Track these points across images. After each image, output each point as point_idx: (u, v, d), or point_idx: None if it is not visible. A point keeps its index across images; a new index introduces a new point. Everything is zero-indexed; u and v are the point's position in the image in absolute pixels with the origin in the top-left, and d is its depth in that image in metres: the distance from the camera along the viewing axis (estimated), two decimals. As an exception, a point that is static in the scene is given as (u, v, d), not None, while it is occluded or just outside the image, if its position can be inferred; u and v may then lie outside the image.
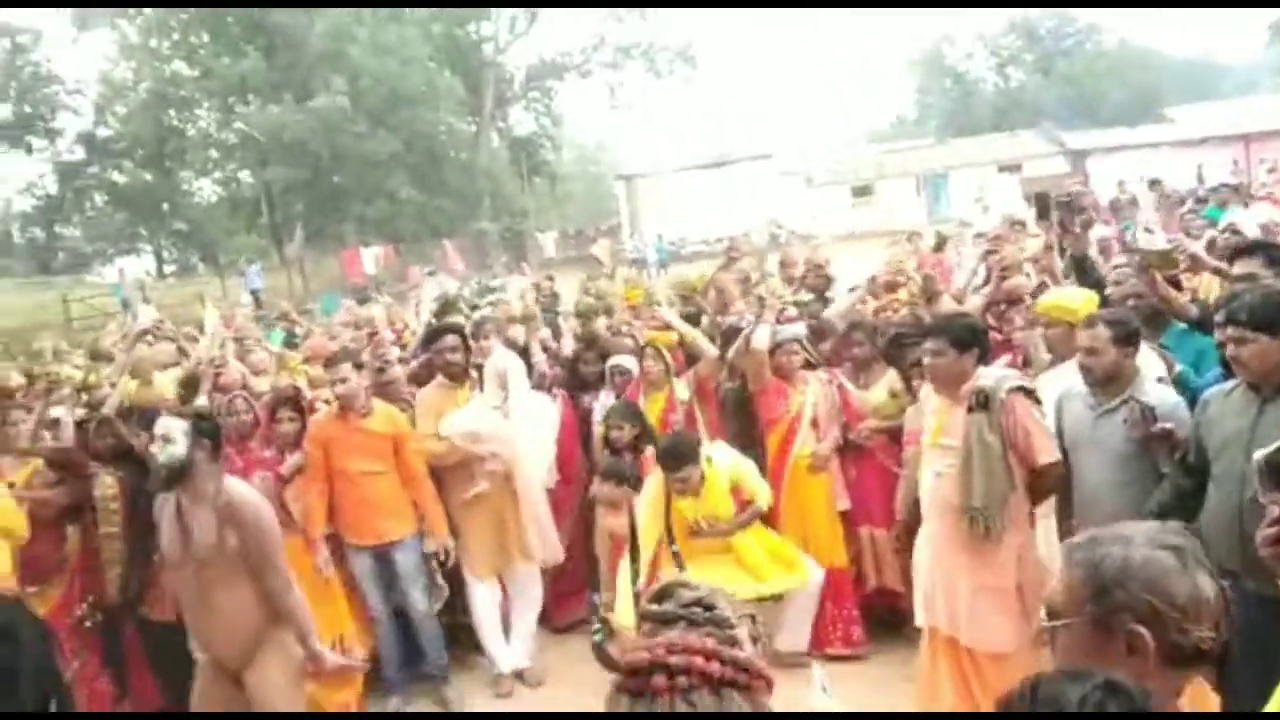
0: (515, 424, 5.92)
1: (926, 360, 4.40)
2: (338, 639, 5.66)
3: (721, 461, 5.41)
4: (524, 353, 6.74)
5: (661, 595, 1.61)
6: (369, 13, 40.28)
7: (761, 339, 5.90)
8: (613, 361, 6.55)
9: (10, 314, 29.97)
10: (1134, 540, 1.77)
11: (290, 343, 9.07)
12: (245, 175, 45.85)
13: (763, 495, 5.44)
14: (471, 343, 6.14)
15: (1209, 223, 9.17)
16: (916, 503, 4.78)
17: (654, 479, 5.40)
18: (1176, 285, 5.27)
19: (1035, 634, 4.30)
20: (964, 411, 4.24)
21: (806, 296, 7.29)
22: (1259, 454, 1.87)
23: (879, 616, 5.77)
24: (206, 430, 4.10)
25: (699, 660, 1.41)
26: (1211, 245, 6.00)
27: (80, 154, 46.81)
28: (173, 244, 51.29)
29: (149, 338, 7.40)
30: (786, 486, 5.91)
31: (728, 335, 6.38)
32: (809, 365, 6.04)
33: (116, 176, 47.63)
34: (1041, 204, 6.68)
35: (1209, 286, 5.78)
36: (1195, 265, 5.38)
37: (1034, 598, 4.30)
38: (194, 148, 44.99)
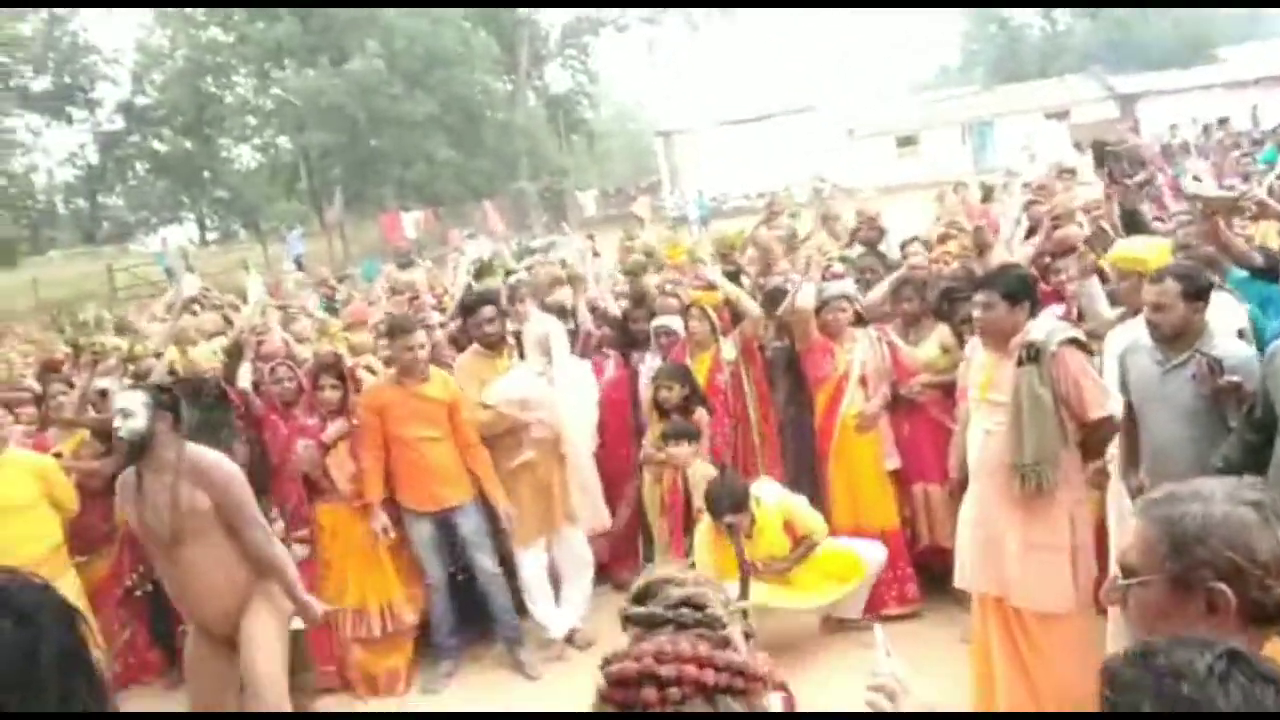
0: (560, 389, 5.86)
1: (976, 314, 4.28)
2: (386, 605, 5.69)
3: (770, 500, 5.34)
4: (571, 314, 6.66)
5: (645, 594, 1.49)
6: (401, -28, 40.05)
7: (807, 297, 5.78)
8: (657, 322, 6.46)
9: (58, 285, 30.38)
10: (1213, 496, 1.73)
11: (329, 309, 9.05)
12: (283, 141, 46.00)
13: (818, 529, 5.36)
14: (507, 308, 6.08)
15: (1268, 166, 8.90)
16: (964, 460, 4.67)
17: (705, 525, 5.33)
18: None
19: (1086, 597, 4.22)
20: (1013, 366, 4.13)
21: (858, 250, 7.15)
22: None
23: (933, 573, 5.67)
24: (166, 402, 4.16)
25: (691, 669, 1.30)
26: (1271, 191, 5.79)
27: (120, 123, 47.15)
28: (214, 211, 51.70)
29: (195, 306, 7.43)
30: (835, 446, 5.84)
31: (772, 294, 6.27)
32: (859, 321, 5.92)
33: (157, 145, 47.98)
34: (1098, 152, 6.48)
35: (1264, 234, 5.59)
36: (1262, 212, 5.18)
37: (1087, 560, 4.22)
38: (232, 114, 45.16)
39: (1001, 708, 4.33)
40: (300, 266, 29.81)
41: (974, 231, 6.56)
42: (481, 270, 7.37)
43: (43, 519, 5.43)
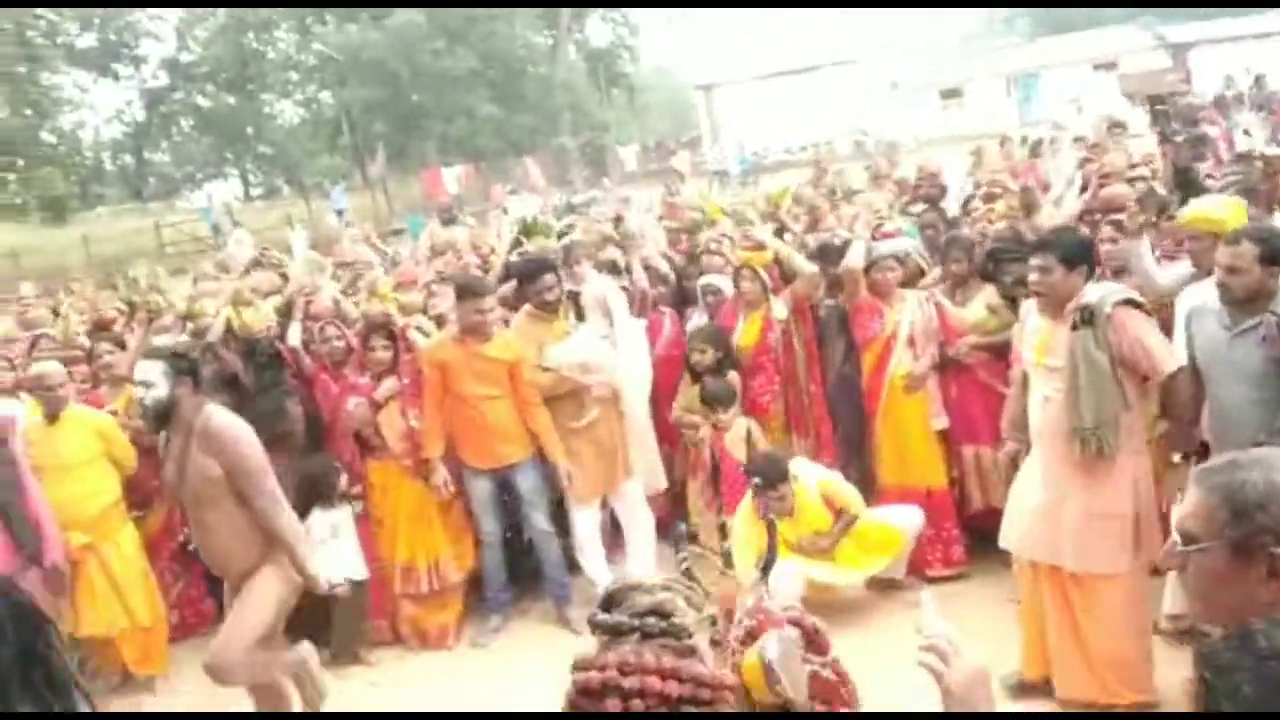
0: (619, 350, 5.89)
1: (1033, 278, 4.21)
2: (433, 563, 5.77)
3: (807, 477, 5.34)
4: (626, 271, 6.65)
5: (612, 601, 1.49)
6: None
7: (856, 256, 5.75)
8: (704, 281, 6.44)
9: (107, 241, 30.77)
10: (1275, 464, 1.73)
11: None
12: (325, 96, 46.07)
13: (855, 503, 5.35)
14: (563, 270, 6.09)
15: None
16: (1018, 425, 4.63)
17: (746, 504, 5.31)
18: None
19: (1147, 563, 4.20)
20: (1068, 330, 4.08)
21: (920, 207, 7.09)
22: None
23: (983, 534, 5.66)
24: (185, 367, 4.22)
25: (654, 681, 1.31)
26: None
27: (165, 80, 47.45)
28: (257, 167, 52.01)
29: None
30: (882, 406, 5.83)
31: (823, 250, 6.24)
32: (922, 275, 5.87)
33: (200, 101, 48.29)
34: (1155, 110, 6.34)
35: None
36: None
37: (1150, 526, 4.19)
38: (274, 70, 45.29)
39: (1054, 671, 4.35)
40: (344, 221, 29.99)
41: (1021, 192, 6.47)
42: (527, 229, 7.35)
43: (102, 475, 5.57)
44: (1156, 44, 39.95)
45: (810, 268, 6.07)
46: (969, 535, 5.75)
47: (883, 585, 5.62)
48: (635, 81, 52.99)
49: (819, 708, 1.80)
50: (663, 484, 6.21)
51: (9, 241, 30.48)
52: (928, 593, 1.94)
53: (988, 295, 5.73)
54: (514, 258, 6.80)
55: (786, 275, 6.23)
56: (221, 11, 44.12)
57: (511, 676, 5.39)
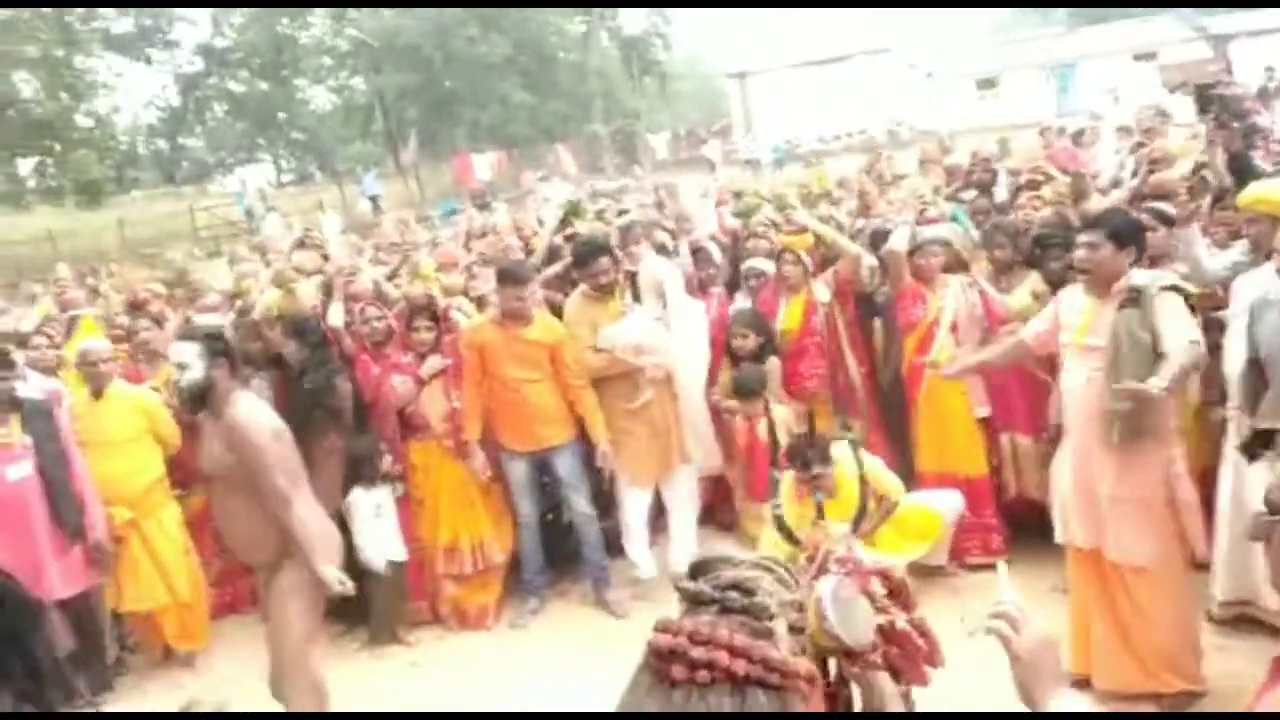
0: (674, 332, 5.88)
1: (1080, 254, 4.13)
2: (477, 543, 5.79)
3: (847, 459, 5.29)
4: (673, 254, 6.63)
5: (698, 570, 1.47)
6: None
7: (900, 240, 5.71)
8: (749, 264, 6.42)
9: (142, 224, 31.05)
10: None
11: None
12: (358, 82, 46.22)
13: (895, 489, 5.24)
14: (620, 251, 6.06)
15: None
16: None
17: (787, 479, 5.19)
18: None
19: (1186, 552, 4.16)
20: (1113, 310, 4.01)
21: (972, 193, 7.03)
22: None
23: (1026, 524, 5.62)
24: (219, 349, 4.12)
25: (723, 655, 1.27)
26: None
27: (199, 65, 47.70)
28: (290, 153, 52.25)
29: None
30: (923, 392, 5.79)
31: (874, 237, 6.20)
32: (964, 263, 5.82)
33: (234, 86, 48.56)
34: (1201, 96, 6.26)
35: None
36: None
37: (1192, 515, 4.15)
38: (308, 56, 45.42)
39: (1097, 664, 4.31)
40: (377, 207, 30.17)
41: (1073, 178, 6.40)
42: (573, 210, 7.35)
43: (146, 453, 5.63)
44: (1196, 34, 39.45)
45: (854, 248, 6.03)
46: (1009, 525, 5.71)
47: (925, 571, 5.58)
48: (667, 69, 52.87)
49: (893, 658, 1.81)
50: (718, 464, 6.18)
51: (45, 224, 30.80)
52: (1003, 564, 1.94)
53: (1033, 282, 5.67)
54: (559, 240, 6.79)
55: (825, 258, 6.20)
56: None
57: (549, 658, 5.41)
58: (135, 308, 7.25)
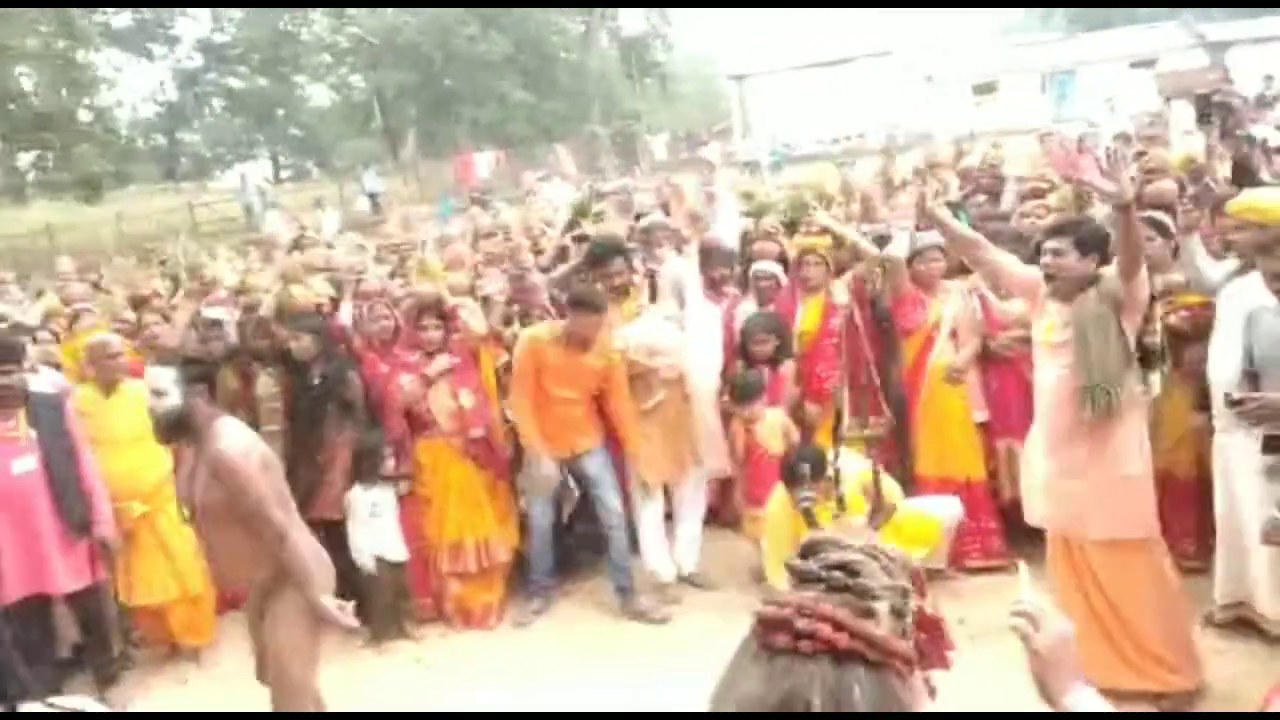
0: (689, 333, 5.91)
1: (1046, 260, 4.24)
2: (482, 541, 5.83)
3: (847, 468, 5.29)
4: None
5: (809, 550, 1.55)
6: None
7: (899, 246, 5.76)
8: (758, 266, 6.44)
9: (140, 219, 30.99)
10: None
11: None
12: (357, 79, 46.20)
13: (895, 494, 5.28)
14: (644, 251, 6.07)
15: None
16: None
17: (778, 499, 5.19)
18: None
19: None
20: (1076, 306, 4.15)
21: (980, 199, 7.08)
22: None
23: (1022, 528, 5.67)
24: (197, 374, 3.93)
25: (825, 628, 1.34)
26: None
27: (199, 60, 47.66)
28: (288, 149, 52.18)
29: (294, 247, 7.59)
30: (923, 397, 5.84)
31: (879, 242, 6.24)
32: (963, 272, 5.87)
33: (233, 82, 48.52)
34: (1202, 107, 6.31)
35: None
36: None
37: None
38: (307, 52, 45.40)
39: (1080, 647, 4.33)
40: (376, 205, 30.17)
41: (1075, 185, 6.42)
42: (582, 210, 7.39)
43: (156, 449, 5.61)
44: (1195, 42, 39.51)
45: (874, 250, 6.05)
46: (1009, 529, 5.73)
47: (929, 576, 5.60)
48: (667, 70, 52.89)
49: (921, 643, 1.89)
50: (729, 468, 6.17)
51: (45, 218, 30.76)
52: (1024, 565, 2.00)
53: (1034, 288, 5.71)
54: (568, 240, 6.82)
55: (835, 261, 6.24)
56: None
57: (553, 657, 5.45)
58: (137, 305, 7.27)
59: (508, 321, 6.22)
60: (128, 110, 46.45)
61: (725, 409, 6.07)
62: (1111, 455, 4.16)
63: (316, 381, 5.64)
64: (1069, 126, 17.31)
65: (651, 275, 6.11)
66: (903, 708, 1.36)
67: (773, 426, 5.81)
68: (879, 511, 5.29)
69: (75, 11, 31.82)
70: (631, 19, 51.69)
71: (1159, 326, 4.79)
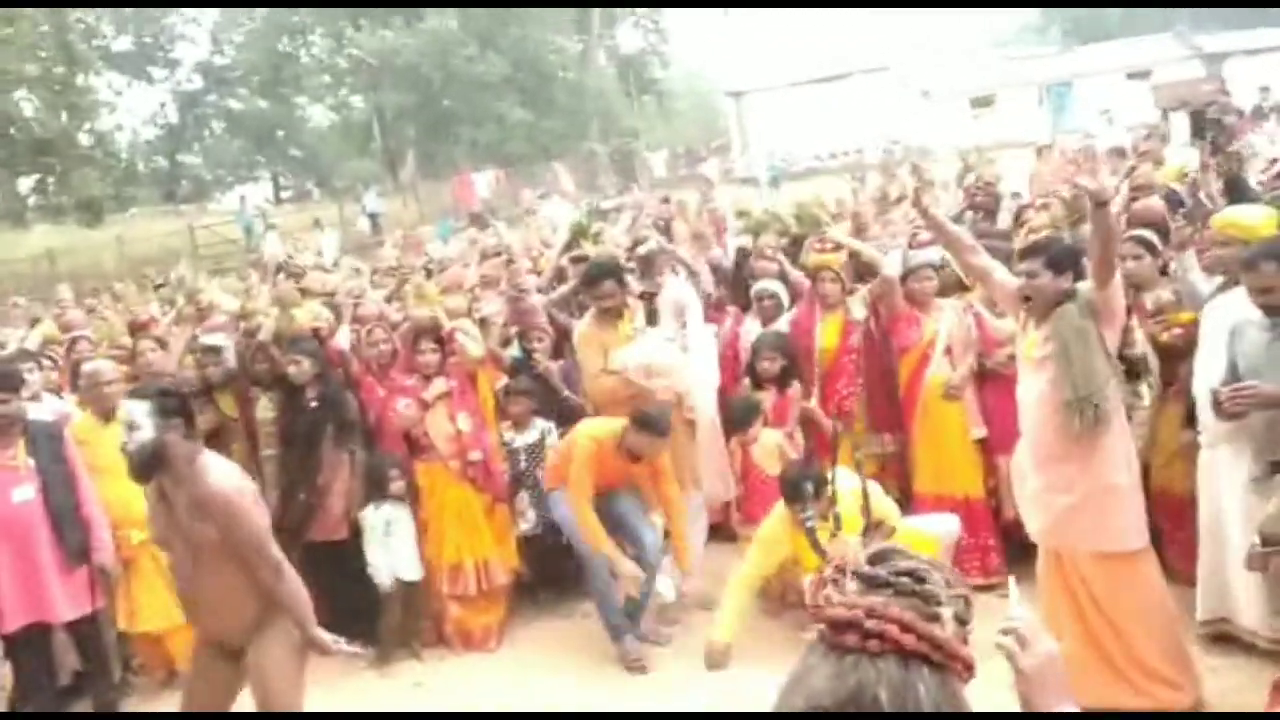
0: (690, 356, 5.91)
1: (1021, 283, 4.29)
2: (481, 563, 5.84)
3: (846, 488, 5.24)
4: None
5: (877, 558, 1.61)
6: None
7: (892, 265, 5.78)
8: (760, 286, 6.44)
9: (141, 242, 31.08)
10: None
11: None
12: (357, 100, 46.41)
13: (892, 514, 5.25)
14: (646, 273, 6.09)
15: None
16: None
17: (779, 516, 5.07)
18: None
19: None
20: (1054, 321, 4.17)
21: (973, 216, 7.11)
22: None
23: (1021, 544, 5.68)
24: (173, 407, 3.69)
25: (893, 630, 1.42)
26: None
27: (199, 83, 47.90)
28: (289, 170, 52.36)
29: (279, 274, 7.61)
30: (920, 415, 5.85)
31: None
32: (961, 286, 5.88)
33: (233, 104, 48.74)
34: (1196, 122, 6.34)
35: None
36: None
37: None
38: (307, 74, 45.62)
39: (1075, 681, 4.33)
40: (376, 225, 30.26)
41: (1072, 200, 6.42)
42: (580, 230, 7.40)
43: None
44: (1191, 54, 39.64)
45: (890, 267, 6.03)
46: (1009, 547, 5.72)
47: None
48: (665, 87, 53.08)
49: None
50: (731, 493, 6.10)
51: (46, 243, 30.88)
52: (1013, 581, 2.03)
53: (1028, 306, 5.73)
54: (565, 262, 6.84)
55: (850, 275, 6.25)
56: (258, 14, 44.51)
57: (552, 679, 5.45)
58: (135, 330, 7.26)
59: (506, 343, 6.24)
60: (128, 133, 46.59)
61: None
62: (1097, 466, 4.18)
63: (313, 404, 5.67)
64: (1068, 139, 17.38)
65: (649, 298, 6.10)
66: (964, 708, 1.43)
67: (769, 448, 5.81)
68: (874, 529, 5.30)
69: (74, 36, 31.97)
70: (629, 37, 51.96)
71: (1139, 337, 4.81)
